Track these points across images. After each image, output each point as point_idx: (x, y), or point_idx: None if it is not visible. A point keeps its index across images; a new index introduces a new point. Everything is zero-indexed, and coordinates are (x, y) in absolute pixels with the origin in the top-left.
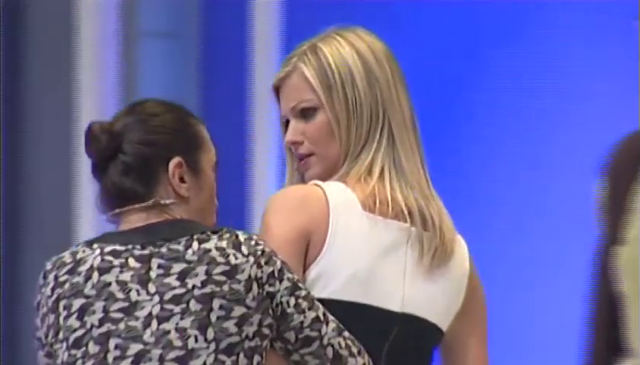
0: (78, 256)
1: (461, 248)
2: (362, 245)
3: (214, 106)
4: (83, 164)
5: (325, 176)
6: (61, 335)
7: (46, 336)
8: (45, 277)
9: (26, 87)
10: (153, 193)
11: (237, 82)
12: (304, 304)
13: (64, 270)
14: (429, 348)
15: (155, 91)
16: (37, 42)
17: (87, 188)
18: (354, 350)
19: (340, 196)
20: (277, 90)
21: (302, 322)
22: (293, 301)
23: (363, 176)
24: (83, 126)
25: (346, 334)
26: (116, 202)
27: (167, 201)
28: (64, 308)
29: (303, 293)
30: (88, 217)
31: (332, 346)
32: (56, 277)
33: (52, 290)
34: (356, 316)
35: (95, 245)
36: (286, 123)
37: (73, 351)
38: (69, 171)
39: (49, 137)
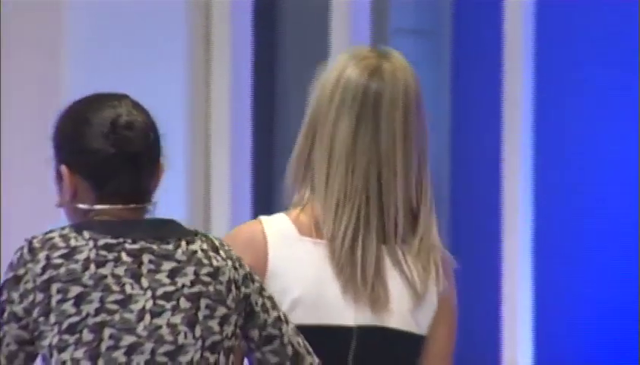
0: (72, 243)
1: None
2: (303, 269)
3: (466, 105)
4: None
5: None
6: (52, 318)
7: (27, 312)
8: (33, 253)
9: (277, 87)
10: (152, 193)
11: (489, 81)
12: (268, 304)
13: (58, 253)
14: (401, 355)
15: None
16: (289, 41)
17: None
18: (310, 349)
19: (277, 227)
20: None
21: (265, 321)
22: (260, 300)
23: (301, 203)
24: None
25: (301, 336)
26: (126, 199)
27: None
28: (59, 291)
29: (267, 293)
30: None
31: (292, 344)
32: (48, 258)
33: (43, 269)
34: (309, 338)
35: (86, 235)
36: None
37: (65, 336)
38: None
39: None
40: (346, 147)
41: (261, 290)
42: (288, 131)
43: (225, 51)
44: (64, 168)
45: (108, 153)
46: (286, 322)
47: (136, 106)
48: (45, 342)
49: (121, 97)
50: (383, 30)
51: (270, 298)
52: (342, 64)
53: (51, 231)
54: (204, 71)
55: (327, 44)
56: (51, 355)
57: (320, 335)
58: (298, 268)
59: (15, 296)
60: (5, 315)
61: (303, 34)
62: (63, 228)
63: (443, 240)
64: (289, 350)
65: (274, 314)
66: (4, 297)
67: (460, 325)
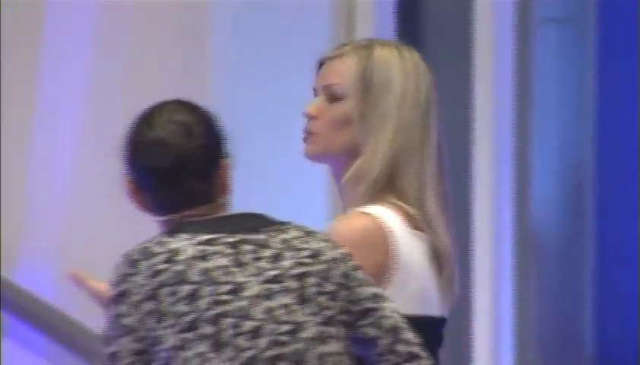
0: (170, 246)
1: None
2: (418, 261)
3: (610, 95)
4: (480, 152)
5: (315, 160)
6: (168, 321)
7: (140, 322)
8: (133, 266)
9: None
10: (216, 193)
11: (633, 70)
12: (365, 280)
13: (159, 259)
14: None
15: (550, 78)
16: (434, 28)
17: (484, 174)
18: (407, 325)
19: (391, 221)
20: (320, 64)
21: (362, 294)
22: (358, 275)
23: (390, 195)
24: (479, 114)
25: (401, 314)
26: (188, 205)
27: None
28: (169, 294)
29: (362, 272)
30: (485, 201)
31: (390, 317)
32: (151, 266)
33: (148, 278)
34: (421, 328)
35: (182, 236)
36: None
37: (184, 335)
38: (466, 159)
39: (445, 124)
40: (434, 146)
41: (358, 268)
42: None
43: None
44: (127, 183)
45: (147, 169)
46: (385, 299)
47: (180, 113)
48: (165, 346)
49: (163, 108)
50: (527, 19)
51: (367, 277)
52: (397, 64)
53: (145, 241)
54: None
55: (471, 36)
56: (172, 357)
57: (423, 325)
58: (414, 260)
59: (124, 309)
60: (118, 330)
61: (446, 28)
62: (156, 236)
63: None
64: (387, 323)
65: (370, 290)
66: (114, 312)
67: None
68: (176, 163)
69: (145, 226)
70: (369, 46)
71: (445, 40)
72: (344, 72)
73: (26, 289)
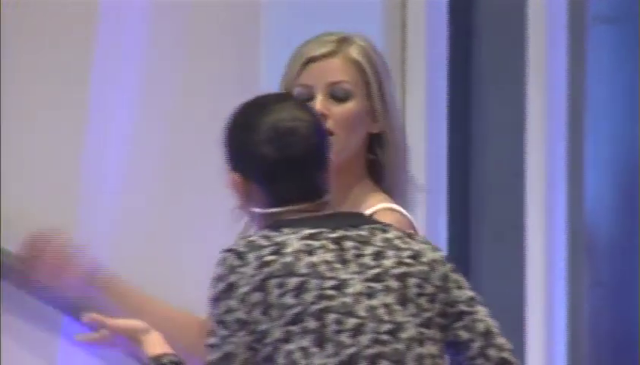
0: (277, 240)
1: None
2: None
3: None
4: (533, 152)
5: (335, 163)
6: (274, 313)
7: (249, 314)
8: (241, 258)
9: (473, 85)
10: (326, 189)
11: None
12: (462, 282)
13: (267, 251)
14: None
15: (603, 78)
16: (487, 28)
17: (537, 174)
18: (500, 332)
19: (412, 218)
20: (307, 62)
21: (458, 297)
22: (454, 277)
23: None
24: (532, 113)
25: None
26: (299, 199)
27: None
28: (277, 286)
29: (459, 275)
30: (538, 201)
31: (484, 322)
32: (258, 258)
33: (257, 269)
34: None
35: (286, 230)
36: (300, 97)
37: (290, 327)
38: (519, 159)
39: (497, 124)
40: None
41: (455, 270)
42: (484, 132)
43: (420, 51)
44: (235, 175)
45: (273, 158)
46: (479, 303)
47: (300, 107)
48: (269, 339)
49: (283, 100)
50: (581, 18)
51: (464, 280)
52: (377, 54)
53: (248, 235)
54: (399, 74)
55: (524, 35)
56: (276, 349)
57: None
58: None
59: (234, 303)
60: (230, 325)
61: (498, 28)
62: (258, 231)
63: None
64: (481, 326)
65: (467, 293)
66: (221, 310)
67: None
68: (305, 154)
69: (197, 230)
70: (350, 39)
71: (497, 39)
72: (346, 69)
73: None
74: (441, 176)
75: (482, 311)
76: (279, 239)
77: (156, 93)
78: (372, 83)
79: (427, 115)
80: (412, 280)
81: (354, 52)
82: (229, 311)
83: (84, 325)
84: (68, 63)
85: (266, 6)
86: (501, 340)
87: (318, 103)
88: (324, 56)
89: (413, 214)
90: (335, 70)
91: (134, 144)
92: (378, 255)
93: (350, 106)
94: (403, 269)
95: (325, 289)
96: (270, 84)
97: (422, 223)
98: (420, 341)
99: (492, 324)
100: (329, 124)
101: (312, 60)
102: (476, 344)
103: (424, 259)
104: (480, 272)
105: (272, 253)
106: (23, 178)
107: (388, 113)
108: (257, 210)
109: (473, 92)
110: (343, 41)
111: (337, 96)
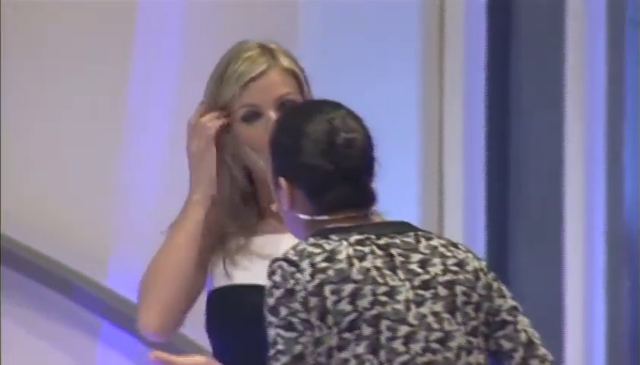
0: (327, 247)
1: None
2: None
3: None
4: (572, 154)
5: None
6: (329, 320)
7: (309, 316)
8: (294, 265)
9: (511, 88)
10: (371, 199)
11: None
12: (504, 291)
13: (319, 258)
14: None
15: None
16: (526, 28)
17: (576, 176)
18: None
19: None
20: (247, 83)
21: (500, 306)
22: (496, 286)
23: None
24: (572, 115)
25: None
26: (345, 209)
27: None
28: (333, 292)
29: (501, 284)
30: (577, 204)
31: (526, 332)
32: (312, 265)
33: (312, 275)
34: None
35: (334, 237)
36: (248, 118)
37: (345, 334)
38: (558, 162)
39: (536, 126)
40: None
41: (496, 279)
42: (523, 134)
43: (458, 52)
44: (282, 180)
45: (326, 169)
46: (521, 313)
47: (351, 116)
48: (322, 347)
49: (335, 108)
50: (619, 21)
51: (505, 288)
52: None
53: (297, 245)
54: (437, 74)
55: (562, 38)
56: (329, 357)
57: None
58: None
59: (297, 306)
60: (297, 326)
61: (537, 28)
62: (306, 240)
63: None
64: (524, 336)
65: (510, 302)
66: (284, 313)
67: None
68: (360, 165)
69: None
70: (270, 48)
71: (535, 39)
72: (285, 80)
73: (118, 293)
74: (479, 178)
75: (524, 321)
76: (329, 247)
77: (193, 94)
78: (305, 84)
79: (465, 116)
80: (459, 288)
81: (284, 61)
82: (293, 313)
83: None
84: (106, 63)
85: (303, 7)
86: (543, 351)
87: (272, 123)
88: (263, 73)
89: (451, 218)
90: (277, 84)
91: (170, 144)
92: (424, 263)
93: None
94: (450, 277)
95: (378, 295)
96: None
97: (460, 227)
98: (468, 350)
99: (534, 334)
100: None
101: (251, 80)
102: (519, 354)
103: (469, 268)
104: (518, 276)
105: (324, 260)
106: (61, 177)
107: None
108: (303, 216)
109: (511, 93)
110: (267, 52)
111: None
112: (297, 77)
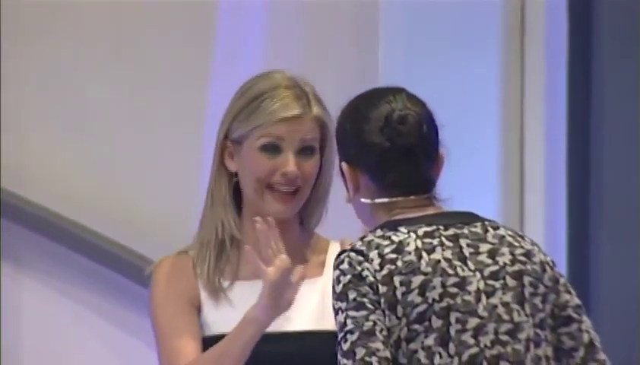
0: (395, 239)
1: None
2: None
3: None
4: None
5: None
6: (399, 311)
7: (379, 300)
8: (362, 255)
9: (592, 82)
10: (433, 183)
11: None
12: (570, 288)
13: (388, 249)
14: None
15: None
16: (605, 26)
17: None
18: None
19: None
20: (278, 120)
21: (567, 301)
22: (562, 281)
23: None
24: None
25: None
26: (406, 190)
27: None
28: (402, 284)
29: (566, 280)
30: None
31: (589, 333)
32: (380, 255)
33: (380, 265)
34: None
35: (402, 229)
36: (268, 148)
37: (414, 326)
38: (635, 156)
39: (615, 128)
40: None
41: (563, 275)
42: (603, 127)
43: (539, 52)
44: (344, 164)
45: (384, 147)
46: (585, 313)
47: (411, 99)
48: (392, 338)
49: (396, 92)
50: None
51: (571, 287)
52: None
53: (364, 237)
54: (518, 75)
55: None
56: (398, 347)
57: None
58: None
59: (366, 288)
60: (367, 305)
61: (618, 25)
62: (372, 232)
63: None
64: (586, 337)
65: (576, 300)
66: (352, 296)
67: None
68: (415, 142)
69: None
70: (306, 92)
71: (616, 38)
72: (314, 128)
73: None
74: (560, 179)
75: (587, 322)
76: (397, 239)
77: None
78: (329, 137)
79: (546, 115)
80: (527, 279)
81: (317, 110)
82: (363, 294)
83: None
84: (187, 60)
85: (384, 8)
86: (603, 355)
87: (292, 163)
88: (296, 117)
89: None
90: (306, 130)
91: None
92: (493, 253)
93: (313, 161)
94: (518, 267)
95: (448, 286)
96: (388, 82)
97: (541, 223)
98: (536, 342)
99: (596, 337)
100: (298, 182)
101: (284, 119)
102: (579, 355)
103: (535, 259)
104: (599, 273)
105: (393, 251)
106: (149, 174)
107: (333, 156)
108: (365, 200)
109: (592, 92)
110: (304, 96)
111: (306, 153)
112: (324, 127)
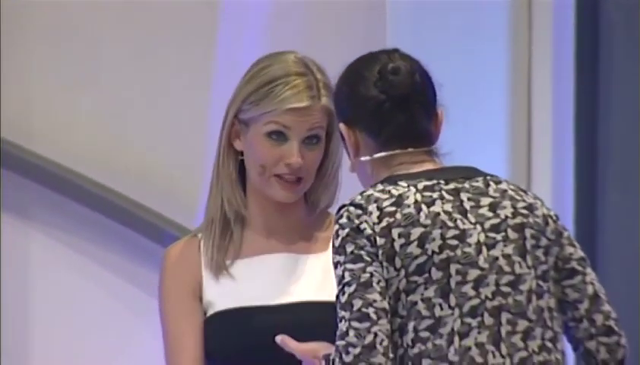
0: (394, 192)
1: None
2: None
3: None
4: None
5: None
6: (397, 263)
7: (377, 252)
8: (361, 208)
9: (601, 76)
10: (432, 137)
11: None
12: (573, 240)
13: (387, 203)
14: None
15: None
16: (613, 24)
17: None
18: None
19: None
20: (288, 109)
21: (571, 254)
22: (566, 234)
23: None
24: None
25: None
26: (404, 143)
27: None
28: (400, 236)
29: (570, 235)
30: None
31: (594, 285)
32: (379, 208)
33: (379, 218)
34: None
35: (402, 183)
36: (274, 135)
37: (413, 278)
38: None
39: (623, 127)
40: None
41: (567, 229)
42: (611, 130)
43: (546, 50)
44: (342, 125)
45: (379, 99)
46: (589, 265)
47: (405, 56)
48: (390, 291)
49: (390, 51)
50: None
51: (574, 240)
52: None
53: (364, 191)
54: (526, 73)
55: None
56: (397, 301)
57: None
58: None
59: (364, 241)
60: (364, 258)
61: (626, 24)
62: (372, 187)
63: None
64: (591, 289)
65: (580, 252)
66: (350, 249)
67: None
68: (408, 92)
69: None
70: (318, 79)
71: (624, 37)
72: (321, 118)
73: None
74: (568, 181)
75: (591, 274)
76: (396, 192)
77: None
78: (336, 124)
79: (553, 114)
80: (529, 232)
81: (325, 99)
82: (360, 247)
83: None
84: (191, 56)
85: (391, 5)
86: (608, 307)
87: (296, 153)
88: (306, 108)
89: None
90: (314, 121)
91: None
92: (494, 206)
93: (318, 149)
94: (519, 220)
95: (448, 238)
96: None
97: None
98: (539, 293)
99: (601, 289)
100: (302, 172)
101: (293, 109)
102: (584, 306)
103: (538, 212)
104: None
105: (392, 204)
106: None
107: (339, 142)
108: (365, 158)
109: (600, 91)
110: (314, 84)
111: (311, 141)
112: (331, 115)
